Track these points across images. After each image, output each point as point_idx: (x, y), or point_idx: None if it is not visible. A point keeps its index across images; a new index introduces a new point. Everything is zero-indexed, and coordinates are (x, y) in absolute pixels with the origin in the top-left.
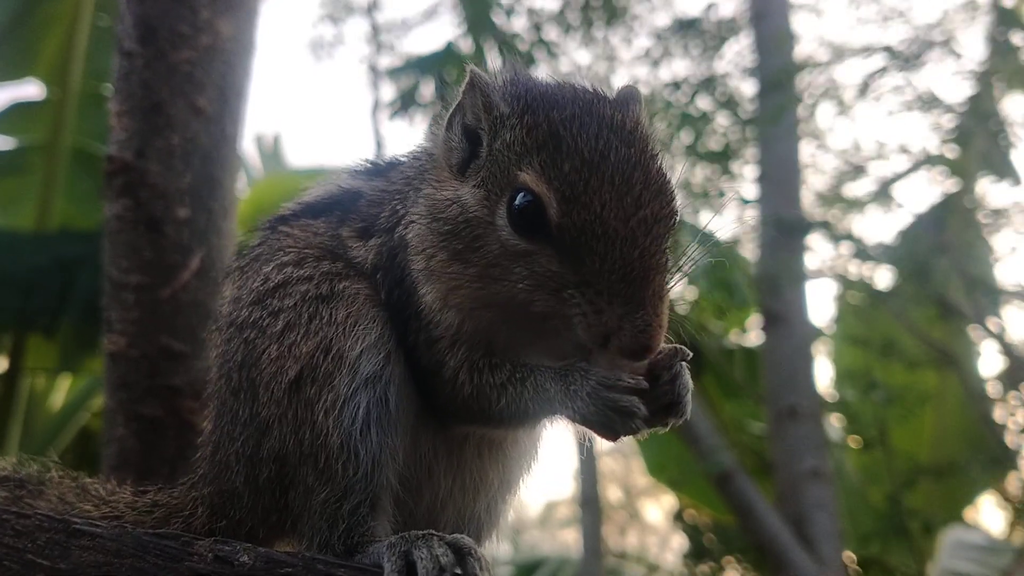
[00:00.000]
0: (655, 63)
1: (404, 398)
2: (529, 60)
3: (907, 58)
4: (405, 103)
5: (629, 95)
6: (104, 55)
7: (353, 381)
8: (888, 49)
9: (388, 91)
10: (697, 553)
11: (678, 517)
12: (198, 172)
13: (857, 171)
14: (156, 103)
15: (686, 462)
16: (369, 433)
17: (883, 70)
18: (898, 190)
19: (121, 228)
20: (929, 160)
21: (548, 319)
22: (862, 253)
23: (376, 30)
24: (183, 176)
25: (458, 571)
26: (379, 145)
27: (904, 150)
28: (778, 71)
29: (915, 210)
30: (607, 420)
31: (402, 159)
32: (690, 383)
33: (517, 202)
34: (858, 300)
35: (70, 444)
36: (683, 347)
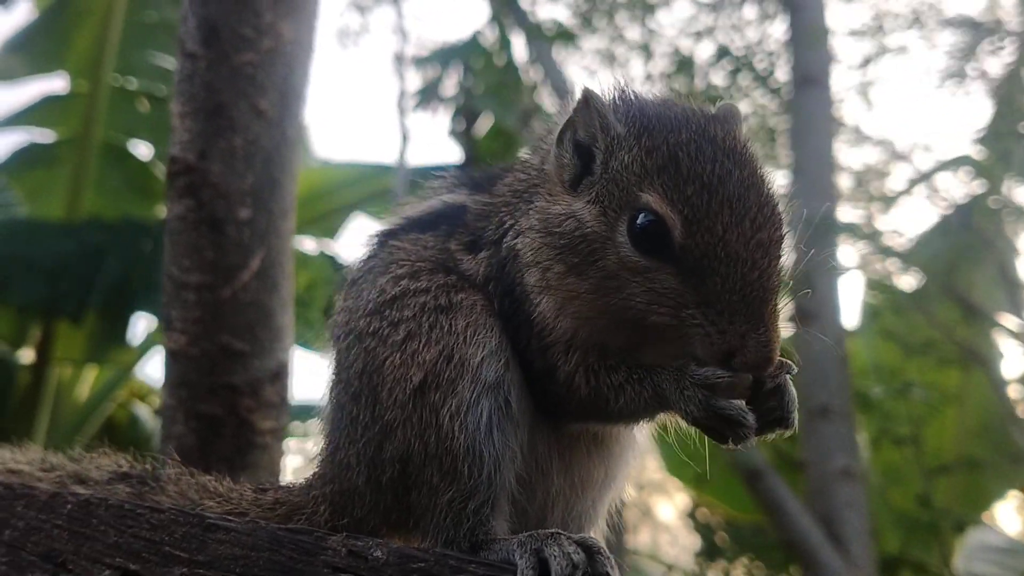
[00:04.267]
0: (698, 35)
1: (522, 402)
2: (558, 43)
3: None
4: (428, 94)
5: (729, 113)
6: (135, 50)
7: (476, 387)
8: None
9: (414, 82)
10: (709, 552)
11: (691, 516)
12: (259, 173)
13: (888, 166)
14: (218, 105)
15: (708, 459)
16: (492, 436)
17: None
18: (927, 188)
19: (183, 228)
20: (956, 161)
21: (664, 331)
22: (888, 251)
23: (402, 18)
24: (245, 177)
25: (588, 569)
26: (405, 137)
27: (930, 149)
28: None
29: (941, 210)
30: (718, 427)
31: (501, 172)
32: (795, 395)
33: (639, 221)
34: (882, 300)
35: (96, 435)
36: (789, 361)
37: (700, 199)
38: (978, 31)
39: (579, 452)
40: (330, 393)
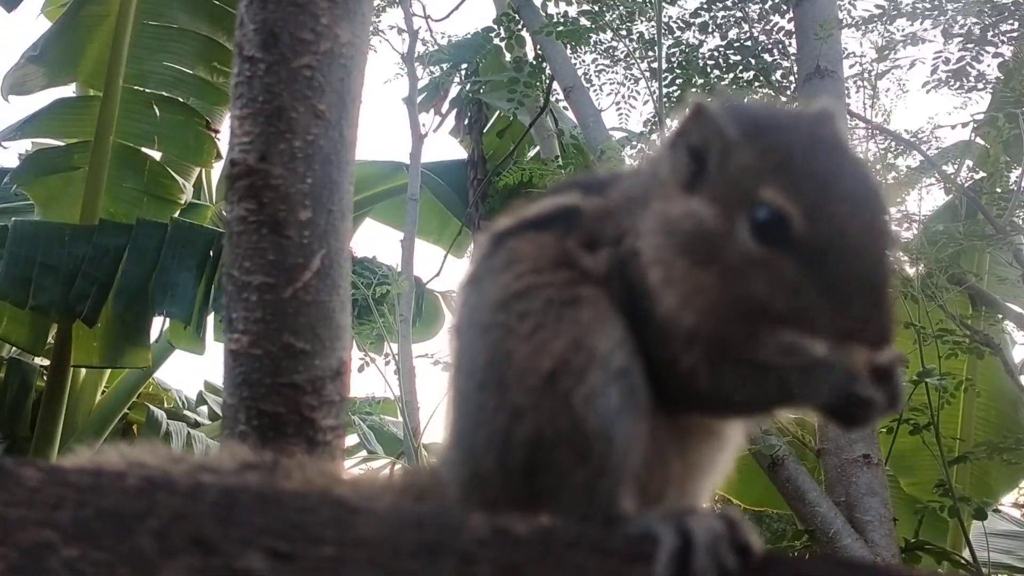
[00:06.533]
0: (705, 27)
1: (645, 390)
2: (568, 40)
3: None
4: (436, 92)
5: (829, 113)
6: (148, 55)
7: (605, 374)
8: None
9: (424, 80)
10: None
11: None
12: (319, 175)
13: (897, 156)
14: (278, 108)
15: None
16: (622, 419)
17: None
18: (934, 176)
19: (244, 230)
20: (962, 146)
21: (785, 318)
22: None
23: (410, 17)
24: (305, 179)
25: (729, 539)
26: (417, 135)
27: (937, 137)
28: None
29: (948, 196)
30: (849, 410)
31: (612, 177)
32: (903, 380)
33: (760, 215)
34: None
35: (112, 436)
36: (900, 353)
37: (816, 192)
38: (994, 14)
39: (693, 438)
40: (453, 383)
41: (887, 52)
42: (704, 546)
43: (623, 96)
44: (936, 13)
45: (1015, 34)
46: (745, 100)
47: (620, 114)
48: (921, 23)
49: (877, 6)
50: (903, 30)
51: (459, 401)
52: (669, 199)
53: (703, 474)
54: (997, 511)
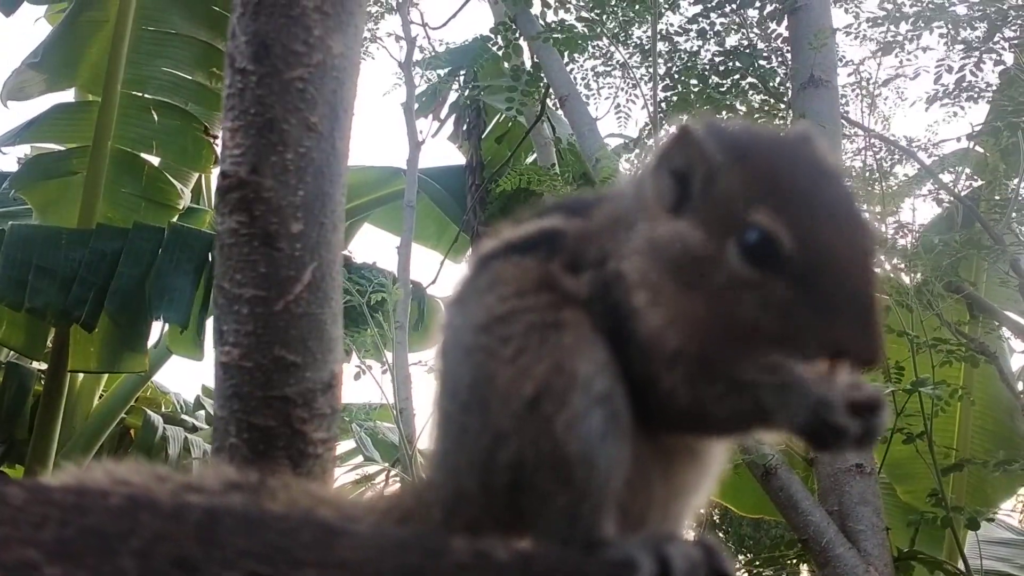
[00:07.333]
0: (703, 34)
1: (628, 412)
2: (564, 48)
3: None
4: (434, 98)
5: (809, 133)
6: (146, 60)
7: (588, 398)
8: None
9: (422, 87)
10: None
11: None
12: (310, 187)
13: (893, 165)
14: (270, 120)
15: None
16: (605, 444)
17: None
18: (932, 185)
19: (235, 242)
20: (959, 155)
21: (774, 338)
22: (892, 248)
23: (408, 25)
24: (296, 191)
25: (707, 566)
26: (414, 142)
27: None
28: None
29: (945, 204)
30: (821, 435)
31: (595, 199)
32: (885, 419)
33: (748, 237)
34: (889, 297)
35: (108, 440)
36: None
37: (803, 212)
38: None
39: (676, 461)
40: (438, 404)
41: (892, 48)
42: (681, 573)
43: (623, 100)
44: (939, 16)
45: (1016, 40)
46: (728, 119)
47: (619, 118)
48: (921, 26)
49: (881, 7)
50: (904, 34)
51: (443, 422)
52: (654, 222)
53: (686, 497)
54: (991, 520)
